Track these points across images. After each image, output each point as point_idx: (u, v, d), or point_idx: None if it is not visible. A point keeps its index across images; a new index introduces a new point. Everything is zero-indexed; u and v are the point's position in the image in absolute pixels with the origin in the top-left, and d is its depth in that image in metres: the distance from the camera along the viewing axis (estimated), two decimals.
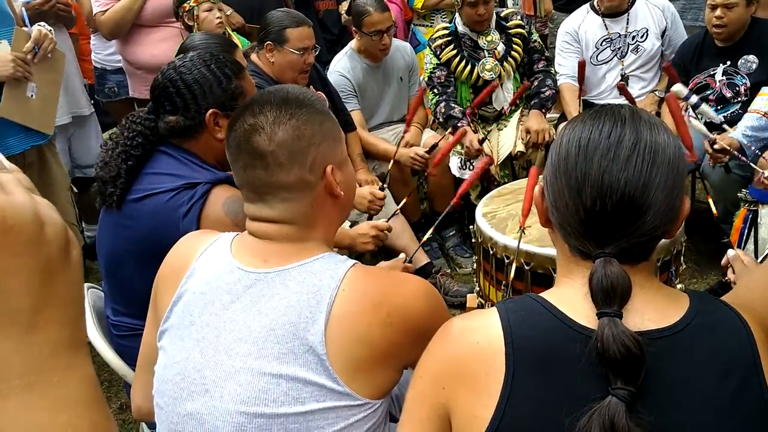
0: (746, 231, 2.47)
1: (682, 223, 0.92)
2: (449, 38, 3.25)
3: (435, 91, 3.27)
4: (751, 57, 2.97)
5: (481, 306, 2.17)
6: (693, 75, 3.11)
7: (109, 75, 3.60)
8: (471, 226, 2.24)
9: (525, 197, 1.85)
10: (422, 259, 2.99)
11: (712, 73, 3.06)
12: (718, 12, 2.90)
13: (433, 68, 3.27)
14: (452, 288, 2.94)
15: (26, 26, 2.55)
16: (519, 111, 3.33)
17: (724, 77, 3.02)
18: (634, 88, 3.36)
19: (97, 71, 3.64)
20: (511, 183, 2.54)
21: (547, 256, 1.82)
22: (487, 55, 3.23)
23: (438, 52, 3.25)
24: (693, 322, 0.86)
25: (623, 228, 0.85)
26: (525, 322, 0.87)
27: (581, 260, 0.89)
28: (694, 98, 2.40)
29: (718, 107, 3.04)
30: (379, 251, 2.31)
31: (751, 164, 2.38)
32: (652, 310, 0.87)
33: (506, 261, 1.93)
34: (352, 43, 3.29)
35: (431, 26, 3.84)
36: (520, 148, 3.16)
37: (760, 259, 2.17)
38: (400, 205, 2.36)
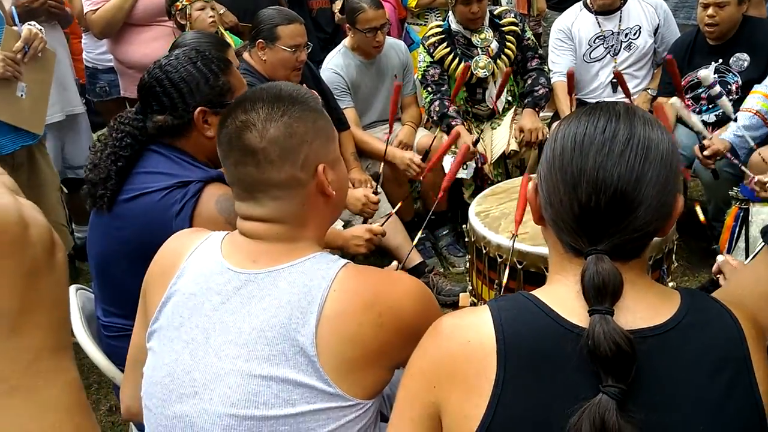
0: (737, 229, 2.48)
1: (675, 221, 0.92)
2: (442, 36, 3.24)
3: (429, 89, 3.26)
4: (743, 55, 2.98)
5: (473, 305, 2.17)
6: (685, 73, 3.12)
7: (100, 74, 3.58)
8: (464, 225, 2.24)
9: (518, 205, 1.84)
10: (415, 258, 2.99)
11: None
12: (710, 11, 2.91)
13: (427, 66, 3.26)
14: (445, 287, 2.94)
15: (16, 25, 2.54)
16: (512, 110, 3.34)
17: (716, 75, 3.03)
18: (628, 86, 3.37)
19: (88, 70, 3.62)
20: (505, 182, 2.54)
21: (539, 254, 1.82)
22: (480, 52, 3.23)
23: (431, 50, 3.25)
24: (684, 320, 0.86)
25: (615, 223, 0.85)
26: (517, 320, 0.87)
27: (574, 257, 0.89)
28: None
29: (710, 106, 3.06)
30: (373, 251, 2.31)
31: (742, 167, 2.39)
32: (644, 307, 0.87)
33: (499, 260, 1.93)
34: (346, 41, 3.28)
35: (425, 25, 3.83)
36: (514, 146, 3.16)
37: (750, 257, 2.18)
38: (395, 209, 2.35)
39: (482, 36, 3.22)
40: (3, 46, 2.39)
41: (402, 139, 3.25)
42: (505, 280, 1.84)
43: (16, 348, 0.48)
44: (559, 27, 3.42)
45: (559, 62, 3.38)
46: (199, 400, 1.02)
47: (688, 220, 2.13)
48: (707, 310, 0.90)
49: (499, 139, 3.25)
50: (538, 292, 0.91)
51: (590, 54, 3.37)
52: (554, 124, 3.15)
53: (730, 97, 3.00)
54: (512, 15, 3.31)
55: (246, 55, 2.75)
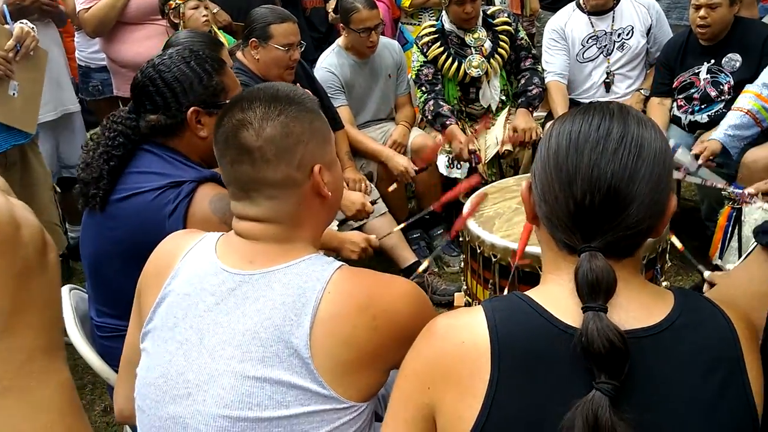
0: (730, 229, 2.49)
1: (669, 221, 0.92)
2: (436, 36, 3.25)
3: (423, 89, 3.26)
4: (735, 56, 3.00)
5: (468, 304, 2.17)
6: (678, 73, 3.14)
7: (93, 73, 3.57)
8: None
9: (521, 240, 1.84)
10: (409, 257, 2.99)
11: (696, 71, 3.08)
12: (701, 12, 2.93)
13: (421, 66, 3.27)
14: (440, 287, 2.94)
15: (7, 24, 2.52)
16: (506, 109, 3.34)
17: (708, 76, 3.05)
18: (620, 87, 3.39)
19: (80, 69, 3.60)
20: (499, 182, 2.54)
21: (534, 254, 1.82)
22: (473, 51, 3.23)
23: (425, 50, 3.25)
24: (678, 321, 0.87)
25: (609, 220, 0.85)
26: (510, 321, 0.87)
27: (568, 255, 0.89)
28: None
29: (702, 105, 3.07)
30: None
31: (729, 189, 2.35)
32: (637, 307, 0.87)
33: (493, 260, 1.94)
34: (340, 40, 3.28)
35: (419, 24, 3.84)
36: (508, 146, 3.16)
37: (743, 257, 2.19)
38: (399, 227, 2.37)
39: (475, 35, 3.23)
40: None
41: (396, 139, 3.25)
42: (508, 281, 1.85)
43: (8, 348, 0.48)
44: (552, 27, 3.43)
45: (552, 62, 3.39)
46: (192, 401, 1.02)
47: (682, 218, 2.14)
48: (700, 310, 0.90)
49: (493, 138, 3.26)
50: (531, 293, 0.91)
51: (583, 54, 3.38)
52: (548, 124, 3.16)
53: (722, 98, 3.02)
54: (505, 15, 3.32)
55: (239, 54, 2.74)
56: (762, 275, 0.97)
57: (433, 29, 3.27)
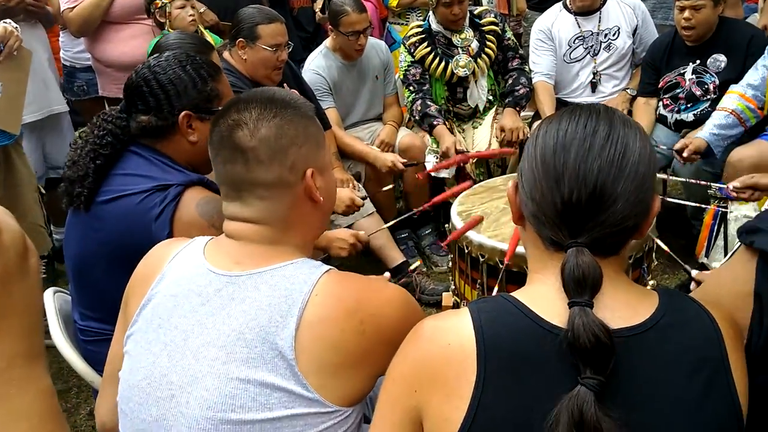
0: (716, 227, 2.52)
1: (653, 221, 0.93)
2: (423, 36, 3.25)
3: (411, 88, 3.27)
4: (720, 56, 3.03)
5: (456, 304, 2.17)
6: (663, 73, 3.16)
7: (78, 73, 3.54)
8: (446, 225, 2.24)
9: (512, 238, 1.85)
10: (397, 257, 3.00)
11: (681, 71, 3.11)
12: (686, 14, 2.95)
13: (408, 66, 3.27)
14: (428, 287, 2.95)
15: None
16: (494, 109, 3.35)
17: (693, 76, 3.07)
18: (607, 87, 3.40)
19: (65, 69, 3.57)
20: (486, 181, 2.55)
21: (522, 254, 1.83)
22: (460, 52, 3.24)
23: (412, 50, 3.25)
24: (662, 320, 0.87)
25: (595, 217, 0.86)
26: (496, 322, 0.87)
27: (554, 253, 0.90)
28: None
29: (688, 105, 3.10)
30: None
31: (714, 185, 2.34)
32: (622, 306, 0.88)
33: (481, 259, 1.94)
34: (327, 42, 3.27)
35: (406, 24, 3.84)
36: (495, 146, 3.17)
37: (728, 256, 2.21)
38: (388, 224, 2.36)
39: (462, 36, 3.23)
40: None
41: (384, 139, 3.25)
42: (497, 283, 1.85)
43: None
44: (539, 27, 3.44)
45: (539, 63, 3.40)
46: (175, 403, 1.01)
47: (668, 217, 2.16)
48: (685, 310, 0.90)
49: (481, 138, 3.26)
50: (517, 294, 0.91)
51: (570, 54, 3.39)
52: (536, 123, 3.18)
53: (708, 97, 3.05)
54: (492, 15, 3.33)
55: (226, 54, 2.73)
56: (746, 275, 0.98)
57: (420, 29, 3.27)
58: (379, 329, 1.03)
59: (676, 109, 3.13)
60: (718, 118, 2.76)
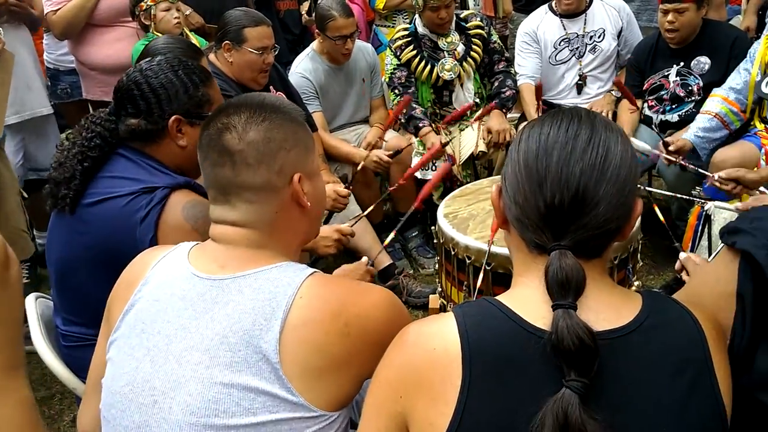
0: (700, 228, 2.53)
1: (635, 224, 0.93)
2: (409, 39, 3.26)
3: (396, 91, 3.27)
4: (704, 58, 3.05)
5: (443, 306, 2.17)
6: (648, 75, 3.19)
7: (62, 76, 3.51)
8: (433, 227, 2.25)
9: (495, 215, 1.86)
10: (385, 260, 2.99)
11: (666, 73, 3.13)
12: (669, 17, 2.98)
13: (394, 69, 3.27)
14: (415, 289, 2.94)
15: None
16: (480, 111, 3.36)
17: (677, 78, 3.10)
18: (592, 88, 3.43)
19: (49, 72, 3.54)
20: (473, 183, 2.56)
21: (508, 256, 1.83)
22: (446, 55, 3.25)
23: (398, 53, 3.26)
24: (646, 322, 0.88)
25: (578, 219, 0.86)
26: (481, 326, 0.87)
27: (538, 256, 0.90)
28: None
29: (673, 106, 3.13)
30: (342, 253, 2.29)
31: (700, 170, 2.45)
32: (606, 308, 0.88)
33: (467, 261, 1.94)
34: (314, 45, 3.27)
35: (393, 27, 3.84)
36: (482, 148, 3.18)
37: (712, 256, 2.23)
38: (366, 212, 2.34)
39: (448, 39, 3.24)
40: None
41: (370, 141, 3.25)
42: (479, 284, 1.85)
43: None
44: (524, 30, 3.45)
45: (525, 65, 3.41)
46: (158, 408, 1.00)
47: (652, 218, 2.18)
48: (668, 311, 0.91)
49: (468, 140, 3.27)
50: (502, 297, 0.91)
51: (556, 56, 3.41)
52: (520, 126, 3.19)
53: (692, 98, 3.08)
54: (478, 19, 3.34)
55: (212, 57, 2.71)
56: (728, 275, 0.99)
57: (406, 32, 3.28)
58: (364, 332, 1.02)
59: (661, 110, 3.16)
60: (702, 121, 2.79)
